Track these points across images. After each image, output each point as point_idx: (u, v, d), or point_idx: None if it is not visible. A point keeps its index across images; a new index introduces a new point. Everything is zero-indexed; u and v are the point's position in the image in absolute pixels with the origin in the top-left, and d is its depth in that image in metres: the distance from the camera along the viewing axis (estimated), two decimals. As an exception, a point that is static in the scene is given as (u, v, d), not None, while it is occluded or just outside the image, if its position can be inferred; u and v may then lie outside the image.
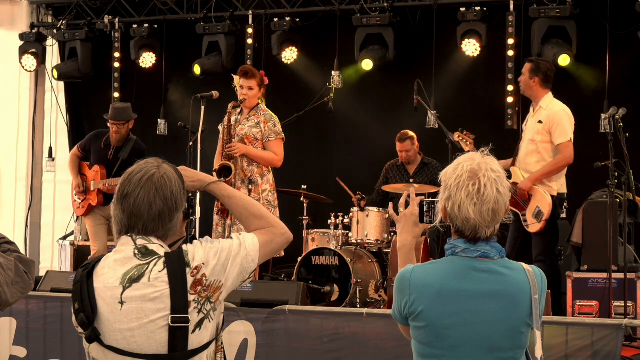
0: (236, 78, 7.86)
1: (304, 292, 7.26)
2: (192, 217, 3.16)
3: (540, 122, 7.60)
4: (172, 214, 2.94)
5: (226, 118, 7.80)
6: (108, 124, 9.06)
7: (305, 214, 9.13)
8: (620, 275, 7.16)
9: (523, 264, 3.06)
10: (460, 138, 7.93)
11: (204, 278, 2.89)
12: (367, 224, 8.61)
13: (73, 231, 10.79)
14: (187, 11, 11.09)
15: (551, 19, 9.51)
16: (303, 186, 9.22)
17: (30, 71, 11.57)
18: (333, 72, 10.07)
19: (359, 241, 8.63)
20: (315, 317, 6.68)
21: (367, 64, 10.16)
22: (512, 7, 9.79)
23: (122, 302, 2.85)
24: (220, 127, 7.88)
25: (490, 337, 2.95)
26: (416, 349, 3.03)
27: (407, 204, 3.30)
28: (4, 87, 11.75)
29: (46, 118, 11.92)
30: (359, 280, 8.28)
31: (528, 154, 7.65)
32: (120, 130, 8.97)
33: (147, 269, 2.86)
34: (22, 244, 11.57)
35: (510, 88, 9.73)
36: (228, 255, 2.94)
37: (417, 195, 3.32)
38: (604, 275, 7.31)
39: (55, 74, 11.38)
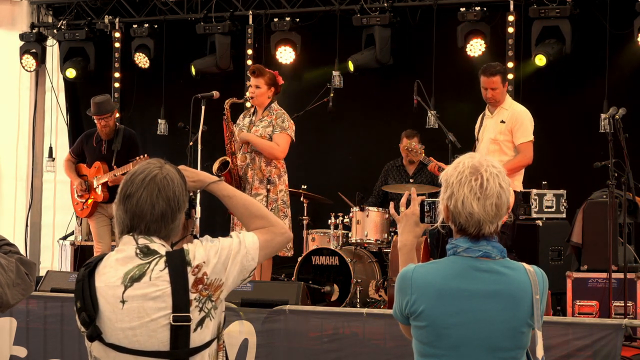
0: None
1: (304, 292, 7.26)
2: (195, 217, 3.16)
3: (502, 121, 7.64)
4: (174, 215, 2.96)
5: (225, 115, 7.82)
6: (95, 120, 9.03)
7: (305, 214, 9.13)
8: (620, 275, 7.17)
9: (524, 263, 3.06)
10: (409, 149, 7.99)
11: (204, 276, 2.90)
12: (367, 224, 8.61)
13: (73, 231, 10.79)
14: (187, 11, 11.09)
15: (546, 20, 9.52)
16: (303, 186, 9.22)
17: (29, 71, 11.56)
18: (333, 72, 10.08)
19: (359, 241, 8.64)
20: (315, 317, 6.67)
21: (349, 65, 10.18)
22: (512, 7, 9.79)
23: (123, 301, 2.87)
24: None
25: (491, 337, 2.95)
26: (417, 348, 3.03)
27: (408, 204, 3.30)
28: (4, 87, 11.75)
29: (46, 118, 11.92)
30: (359, 280, 8.28)
31: (489, 152, 7.65)
32: (108, 123, 8.93)
33: (148, 268, 2.88)
34: (22, 244, 11.57)
35: (509, 88, 9.73)
36: (228, 254, 2.96)
37: (417, 195, 3.32)
38: (604, 275, 7.31)
39: (73, 73, 11.35)
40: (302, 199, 9.16)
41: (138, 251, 2.91)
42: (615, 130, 7.21)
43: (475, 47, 9.84)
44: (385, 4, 10.16)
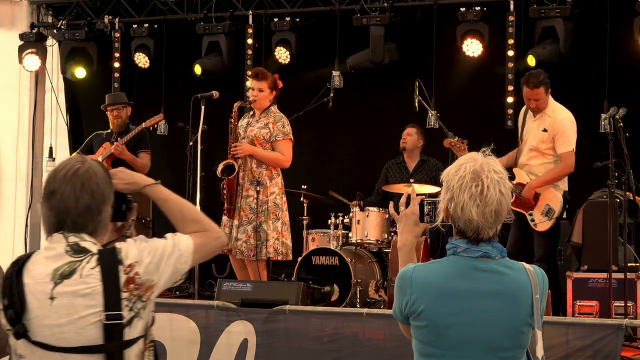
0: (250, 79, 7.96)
1: (304, 292, 7.26)
2: (132, 220, 3.15)
3: (545, 130, 7.67)
4: (100, 207, 2.94)
5: (233, 117, 7.84)
6: (107, 114, 9.08)
7: (305, 214, 9.13)
8: (620, 275, 7.17)
9: (524, 263, 3.06)
10: (452, 144, 7.93)
11: (136, 276, 2.89)
12: (367, 224, 8.60)
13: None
14: (187, 11, 11.08)
15: (546, 20, 9.53)
16: (303, 186, 9.22)
17: (31, 71, 11.55)
18: (333, 72, 10.07)
19: (359, 241, 8.63)
20: (315, 317, 6.68)
21: (347, 65, 10.20)
22: (512, 7, 9.78)
23: (52, 298, 2.85)
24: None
25: (491, 337, 2.95)
26: (417, 348, 3.03)
27: (407, 203, 3.30)
28: (4, 87, 11.75)
29: (46, 118, 11.92)
30: (359, 280, 8.28)
31: (531, 158, 7.77)
32: (120, 115, 9.02)
33: (79, 265, 2.87)
34: (22, 244, 11.56)
35: (510, 88, 9.73)
36: (162, 255, 2.95)
37: (417, 194, 3.32)
38: (604, 275, 7.31)
39: (83, 73, 11.36)
40: (302, 199, 9.16)
41: (68, 249, 2.89)
42: (615, 130, 7.22)
43: (472, 47, 9.83)
44: (385, 4, 10.15)
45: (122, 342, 2.85)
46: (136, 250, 2.92)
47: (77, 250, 2.89)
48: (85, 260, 2.87)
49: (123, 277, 2.87)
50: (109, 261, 2.87)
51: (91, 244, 2.91)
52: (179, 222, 3.10)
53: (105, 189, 2.96)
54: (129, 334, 2.88)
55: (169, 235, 3.01)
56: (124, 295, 2.86)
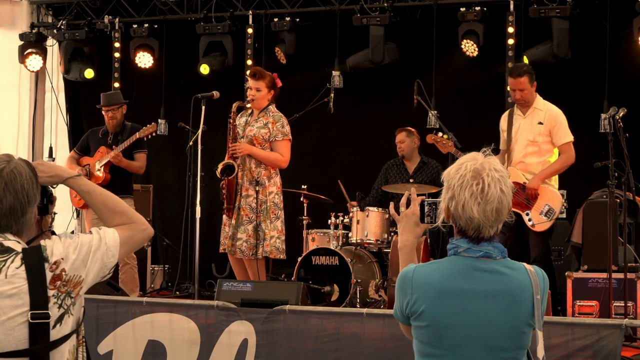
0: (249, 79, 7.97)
1: (304, 292, 7.26)
2: (53, 214, 3.13)
3: (540, 123, 7.66)
4: (24, 208, 2.93)
5: (231, 118, 7.84)
6: (103, 113, 9.06)
7: (305, 214, 9.13)
8: (620, 275, 7.17)
9: (525, 264, 3.06)
10: (437, 141, 7.95)
11: (63, 273, 2.88)
12: (367, 224, 8.61)
13: (73, 231, 10.77)
14: (187, 11, 11.10)
15: (546, 20, 9.54)
16: (303, 186, 9.22)
17: (34, 71, 11.55)
18: (333, 72, 10.08)
19: (359, 241, 8.63)
20: (315, 317, 6.67)
21: (347, 65, 10.23)
22: (512, 7, 9.79)
23: None
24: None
25: (491, 337, 2.95)
26: (417, 348, 3.03)
27: (408, 204, 3.30)
28: (4, 87, 11.75)
29: (46, 118, 11.93)
30: (359, 280, 8.28)
31: (527, 155, 7.72)
32: (116, 115, 8.97)
33: (3, 265, 2.85)
34: (22, 244, 11.57)
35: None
36: (88, 250, 2.94)
37: (417, 195, 3.32)
38: (604, 275, 7.31)
39: (92, 74, 11.37)
40: (302, 199, 9.16)
41: None
42: (615, 130, 7.22)
43: (472, 47, 9.84)
44: (385, 4, 10.16)
45: (48, 343, 2.84)
46: (61, 247, 2.90)
47: (1, 250, 2.87)
48: (10, 259, 2.86)
49: (49, 275, 2.86)
50: (34, 259, 2.86)
51: (15, 243, 2.90)
52: (104, 215, 3.08)
53: (30, 190, 2.94)
54: (60, 331, 2.87)
55: (94, 229, 2.99)
56: (51, 292, 2.85)
